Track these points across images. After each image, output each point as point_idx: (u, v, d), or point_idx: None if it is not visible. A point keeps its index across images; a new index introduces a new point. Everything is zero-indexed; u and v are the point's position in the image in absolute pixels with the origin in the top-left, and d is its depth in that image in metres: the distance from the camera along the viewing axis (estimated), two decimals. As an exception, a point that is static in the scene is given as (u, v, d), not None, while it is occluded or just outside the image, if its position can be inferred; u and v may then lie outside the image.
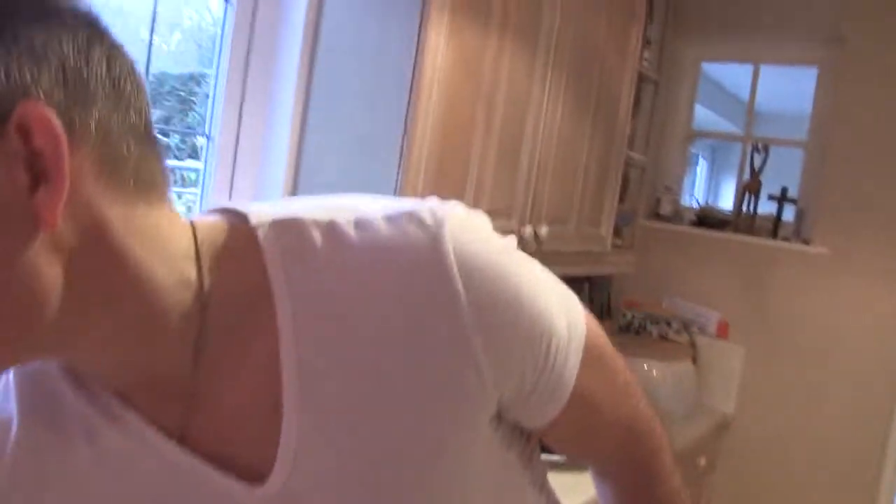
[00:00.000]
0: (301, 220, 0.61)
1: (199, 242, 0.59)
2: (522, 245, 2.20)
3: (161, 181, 0.57)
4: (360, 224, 0.61)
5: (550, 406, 0.68)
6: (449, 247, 0.59)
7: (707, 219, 3.33)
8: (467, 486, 0.67)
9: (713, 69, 4.23)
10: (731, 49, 3.50)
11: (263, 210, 0.63)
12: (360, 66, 1.86)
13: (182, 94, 2.02)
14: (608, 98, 2.59)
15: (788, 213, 3.20)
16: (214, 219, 0.63)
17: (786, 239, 3.14)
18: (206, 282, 0.59)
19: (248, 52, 1.96)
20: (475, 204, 1.96)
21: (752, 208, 3.27)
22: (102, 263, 0.52)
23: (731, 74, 4.18)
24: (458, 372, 0.60)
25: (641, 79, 2.97)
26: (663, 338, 3.20)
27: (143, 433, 0.60)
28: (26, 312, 0.50)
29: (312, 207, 0.63)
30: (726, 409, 3.21)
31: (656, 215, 3.42)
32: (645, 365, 2.92)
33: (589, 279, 3.21)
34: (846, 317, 2.97)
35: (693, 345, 3.19)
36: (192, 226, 0.60)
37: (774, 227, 3.20)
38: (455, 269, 0.59)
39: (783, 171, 3.42)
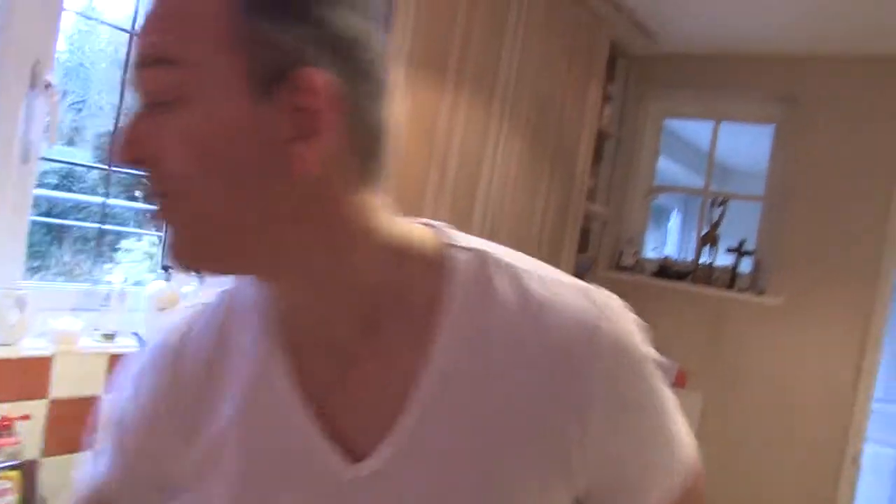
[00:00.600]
0: (492, 257, 0.69)
1: (402, 238, 0.67)
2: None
3: (384, 174, 0.65)
4: (540, 280, 0.68)
5: None
6: (609, 326, 0.65)
7: (667, 270, 3.42)
8: None
9: (682, 124, 4.37)
10: (693, 106, 3.64)
11: (462, 236, 0.71)
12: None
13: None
14: (566, 152, 2.69)
15: (747, 265, 3.30)
16: (420, 226, 0.71)
17: (742, 290, 3.24)
18: (397, 274, 0.66)
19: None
20: (428, 251, 2.04)
21: (710, 260, 3.37)
22: (323, 217, 0.62)
23: (699, 129, 4.30)
24: (568, 439, 0.64)
25: (602, 134, 3.08)
26: (623, 385, 3.24)
27: (282, 381, 0.68)
28: (257, 235, 0.61)
29: (499, 250, 0.71)
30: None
31: (618, 266, 3.51)
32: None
33: (550, 327, 3.28)
34: (799, 365, 3.06)
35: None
36: (399, 223, 0.68)
37: (731, 278, 3.29)
38: (607, 349, 0.64)
39: (742, 224, 3.53)
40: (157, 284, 1.90)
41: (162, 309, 1.86)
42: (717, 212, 3.43)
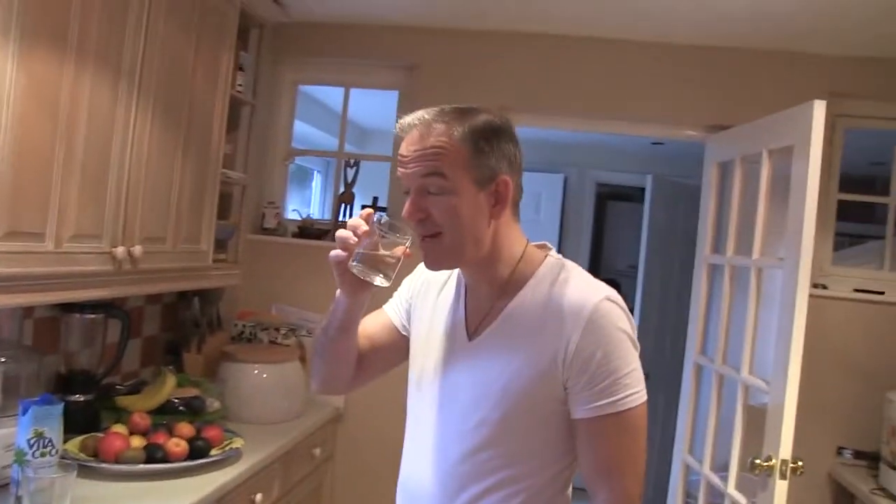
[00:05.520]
0: (566, 264, 1.47)
1: (524, 250, 1.48)
2: (118, 266, 2.27)
3: (518, 210, 1.48)
4: (582, 278, 1.44)
5: (580, 409, 1.36)
6: (604, 305, 1.36)
7: (307, 230, 3.61)
8: (534, 416, 1.39)
9: (321, 90, 4.55)
10: (325, 74, 3.85)
11: (554, 254, 1.51)
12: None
13: None
14: (200, 121, 2.72)
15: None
16: (535, 245, 1.51)
17: (378, 244, 3.51)
18: (516, 268, 1.46)
19: None
20: (59, 228, 1.98)
21: (347, 216, 3.62)
22: (496, 238, 1.42)
23: (336, 95, 4.52)
24: (560, 346, 1.35)
25: (236, 101, 3.15)
26: (273, 343, 3.40)
27: (458, 301, 1.55)
28: (472, 251, 1.41)
29: (573, 264, 1.48)
30: (337, 403, 3.51)
31: (262, 229, 3.63)
32: (255, 370, 3.10)
33: (199, 294, 3.32)
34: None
35: (301, 346, 3.43)
36: (525, 243, 1.49)
37: (368, 233, 3.56)
38: (595, 314, 1.35)
39: (376, 182, 3.83)
40: None
41: None
42: (351, 172, 3.69)
